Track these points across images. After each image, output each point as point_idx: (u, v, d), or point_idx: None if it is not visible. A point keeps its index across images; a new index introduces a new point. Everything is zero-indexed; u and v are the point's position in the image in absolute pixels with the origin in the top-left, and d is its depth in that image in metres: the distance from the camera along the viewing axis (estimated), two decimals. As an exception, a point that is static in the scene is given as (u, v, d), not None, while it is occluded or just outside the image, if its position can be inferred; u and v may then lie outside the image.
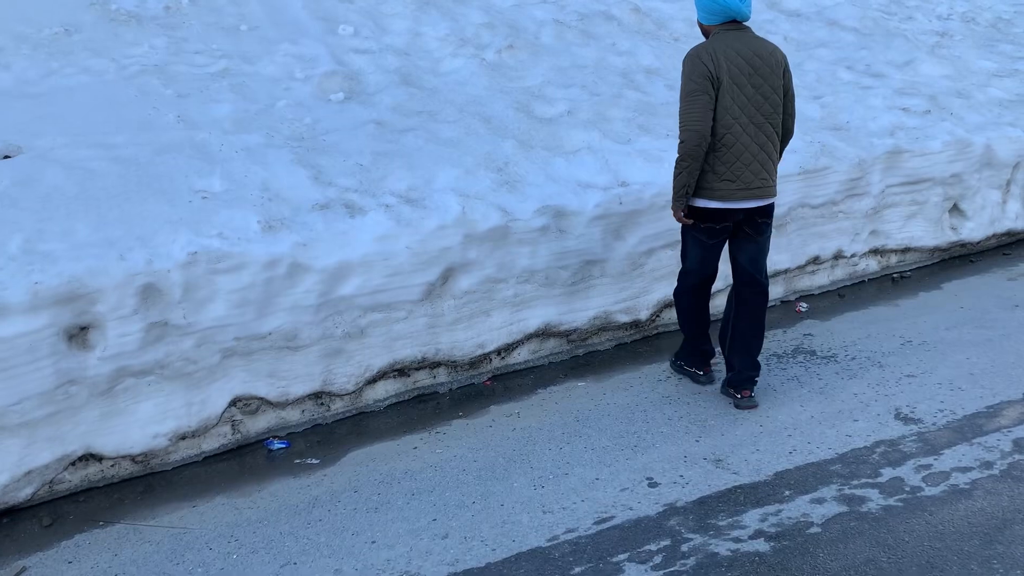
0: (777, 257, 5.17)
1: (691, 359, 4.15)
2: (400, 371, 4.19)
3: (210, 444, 3.80)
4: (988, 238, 5.91)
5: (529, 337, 4.51)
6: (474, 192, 4.46)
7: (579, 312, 4.60)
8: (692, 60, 3.58)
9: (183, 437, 3.71)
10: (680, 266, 4.14)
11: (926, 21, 9.06)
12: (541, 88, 5.96)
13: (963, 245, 5.83)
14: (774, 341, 4.52)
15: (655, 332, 4.83)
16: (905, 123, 5.88)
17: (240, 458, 3.73)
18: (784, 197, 5.10)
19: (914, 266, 5.66)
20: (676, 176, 3.65)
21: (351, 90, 5.46)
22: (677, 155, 3.63)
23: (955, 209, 5.81)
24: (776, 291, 5.23)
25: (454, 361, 4.29)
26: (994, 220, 5.89)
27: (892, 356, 4.15)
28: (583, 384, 4.18)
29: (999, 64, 7.71)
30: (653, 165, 4.94)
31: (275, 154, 4.50)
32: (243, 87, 5.31)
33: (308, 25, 6.24)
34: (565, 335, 4.61)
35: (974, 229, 5.81)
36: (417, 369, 4.23)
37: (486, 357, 4.40)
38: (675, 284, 4.83)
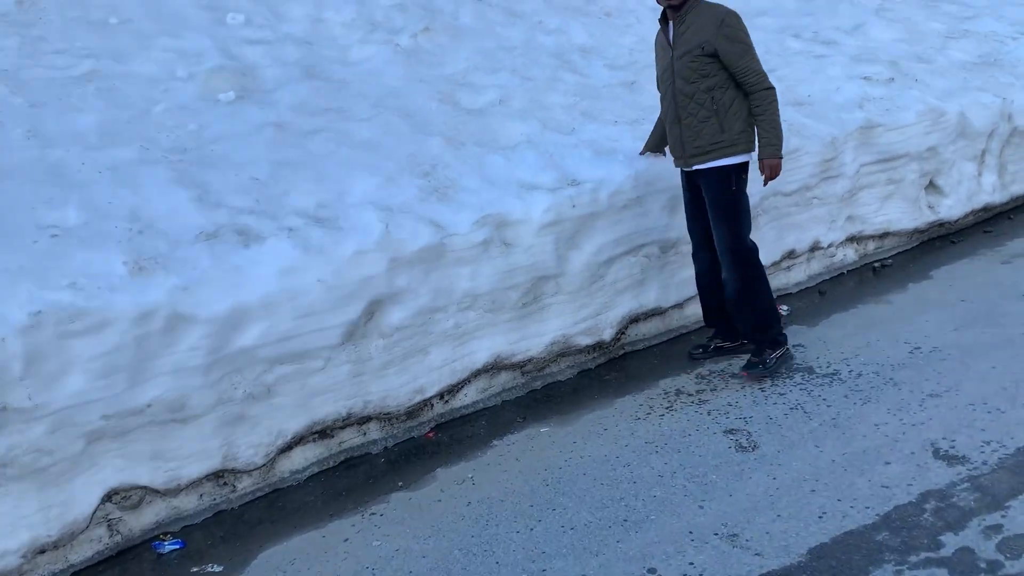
0: (750, 254, 4.54)
1: (777, 337, 3.77)
2: (321, 432, 3.40)
3: (80, 554, 2.95)
4: (967, 215, 5.41)
5: (476, 374, 3.77)
6: (398, 204, 3.70)
7: (533, 338, 3.89)
8: (740, 18, 3.58)
9: (42, 551, 2.85)
10: (736, 245, 3.70)
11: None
12: (466, 75, 5.21)
13: (942, 225, 5.32)
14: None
15: (621, 353, 4.15)
16: (871, 93, 5.32)
17: (122, 566, 2.91)
18: (754, 186, 4.46)
19: (893, 252, 5.11)
20: (779, 125, 3.58)
21: (244, 88, 4.62)
22: (771, 104, 3.55)
23: (931, 186, 5.29)
24: (751, 292, 4.60)
25: (387, 413, 3.53)
26: (971, 195, 5.39)
27: (904, 369, 3.54)
28: (547, 430, 3.46)
29: (947, 25, 7.25)
30: (604, 159, 4.24)
31: (149, 172, 3.66)
32: (113, 91, 4.43)
33: (191, 15, 5.34)
34: (519, 367, 3.89)
35: (952, 206, 5.30)
36: (342, 428, 3.45)
37: (426, 403, 3.64)
38: (639, 298, 4.19)
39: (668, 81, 3.68)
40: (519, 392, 3.85)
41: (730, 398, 3.52)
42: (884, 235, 5.11)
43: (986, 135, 5.37)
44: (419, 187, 3.83)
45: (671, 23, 3.64)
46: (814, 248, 4.80)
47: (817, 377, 3.60)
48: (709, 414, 3.40)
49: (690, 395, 3.61)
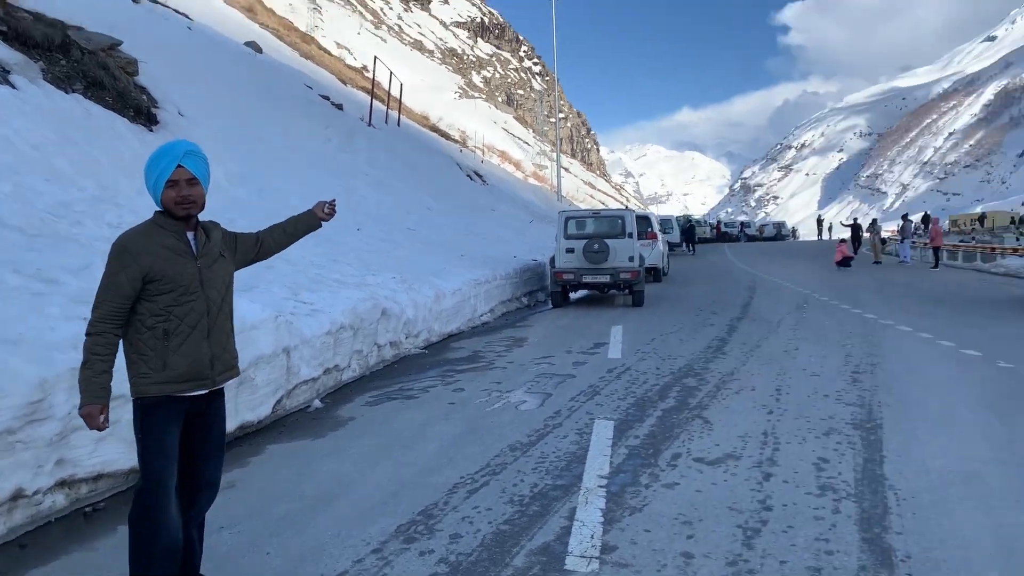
0: (-67, 510, 3.95)
1: None
2: None
3: None
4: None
5: None
6: None
7: None
8: None
9: None
10: None
11: (96, 228, 8.88)
12: None
13: (158, 463, 5.50)
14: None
15: None
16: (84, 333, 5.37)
17: None
18: None
19: (108, 494, 5.05)
20: None
21: None
22: None
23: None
24: (-68, 556, 3.96)
25: None
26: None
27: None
28: None
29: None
30: None
31: None
32: None
33: None
34: None
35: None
36: None
37: None
38: None
39: (197, 292, 3.32)
40: None
41: None
42: (99, 477, 5.02)
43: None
44: None
45: (189, 232, 3.38)
46: (17, 497, 4.43)
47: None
48: None
49: None
